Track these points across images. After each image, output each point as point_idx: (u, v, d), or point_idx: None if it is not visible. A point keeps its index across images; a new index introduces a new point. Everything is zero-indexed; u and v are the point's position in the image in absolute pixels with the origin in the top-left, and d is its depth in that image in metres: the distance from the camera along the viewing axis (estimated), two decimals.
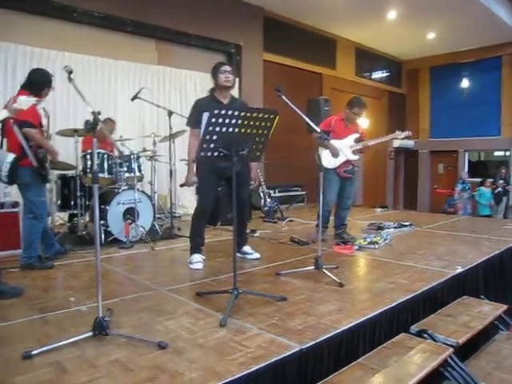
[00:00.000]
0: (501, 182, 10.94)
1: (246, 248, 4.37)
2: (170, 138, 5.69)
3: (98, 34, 7.23)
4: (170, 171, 5.78)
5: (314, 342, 2.36)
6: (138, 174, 5.38)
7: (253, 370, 2.06)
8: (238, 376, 2.00)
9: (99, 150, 5.26)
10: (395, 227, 6.02)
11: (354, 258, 4.50)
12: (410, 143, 13.85)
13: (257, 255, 4.32)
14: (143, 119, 7.65)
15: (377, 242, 4.96)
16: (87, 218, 5.56)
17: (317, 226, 5.47)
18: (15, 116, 3.39)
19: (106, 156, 5.21)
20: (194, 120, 4.00)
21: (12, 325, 2.67)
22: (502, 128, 12.12)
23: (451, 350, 2.73)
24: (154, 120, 7.70)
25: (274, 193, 7.97)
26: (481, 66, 12.39)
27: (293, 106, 3.57)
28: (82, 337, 2.36)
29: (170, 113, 5.47)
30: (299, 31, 10.44)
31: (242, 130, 2.84)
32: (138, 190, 5.22)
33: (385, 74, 13.56)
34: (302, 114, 3.68)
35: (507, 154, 12.29)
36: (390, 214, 8.49)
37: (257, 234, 5.74)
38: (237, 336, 2.44)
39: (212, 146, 2.76)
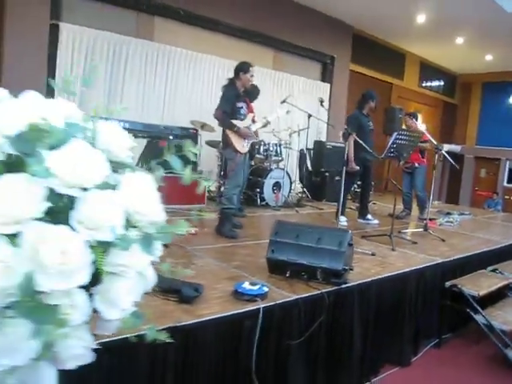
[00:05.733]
0: None
1: (369, 216, 6.48)
2: (303, 133, 7.78)
3: (232, 42, 9.43)
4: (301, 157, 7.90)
5: (447, 259, 4.50)
6: (279, 157, 7.50)
7: (425, 265, 4.20)
8: (421, 267, 4.13)
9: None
10: (459, 214, 8.06)
11: (439, 229, 6.55)
12: (457, 148, 15.71)
13: (376, 221, 6.37)
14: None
15: (451, 222, 7.03)
16: None
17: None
18: None
19: (261, 143, 7.33)
20: (352, 127, 6.05)
21: None
22: None
23: None
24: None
25: None
26: None
27: (421, 127, 5.65)
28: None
29: (309, 115, 7.58)
30: (376, 45, 12.40)
31: (406, 142, 4.94)
32: (283, 169, 7.37)
33: (441, 86, 15.32)
34: (427, 133, 5.77)
35: None
36: (444, 205, 10.48)
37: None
38: (404, 254, 4.58)
39: (392, 150, 4.87)
